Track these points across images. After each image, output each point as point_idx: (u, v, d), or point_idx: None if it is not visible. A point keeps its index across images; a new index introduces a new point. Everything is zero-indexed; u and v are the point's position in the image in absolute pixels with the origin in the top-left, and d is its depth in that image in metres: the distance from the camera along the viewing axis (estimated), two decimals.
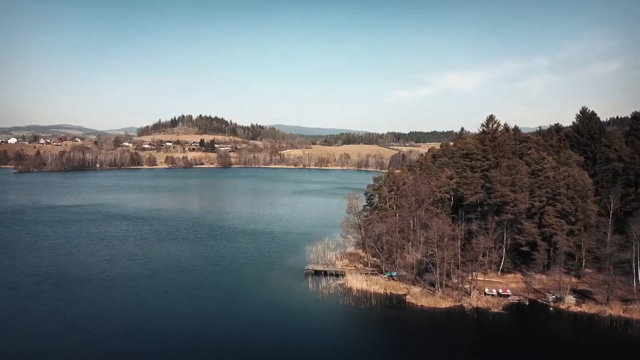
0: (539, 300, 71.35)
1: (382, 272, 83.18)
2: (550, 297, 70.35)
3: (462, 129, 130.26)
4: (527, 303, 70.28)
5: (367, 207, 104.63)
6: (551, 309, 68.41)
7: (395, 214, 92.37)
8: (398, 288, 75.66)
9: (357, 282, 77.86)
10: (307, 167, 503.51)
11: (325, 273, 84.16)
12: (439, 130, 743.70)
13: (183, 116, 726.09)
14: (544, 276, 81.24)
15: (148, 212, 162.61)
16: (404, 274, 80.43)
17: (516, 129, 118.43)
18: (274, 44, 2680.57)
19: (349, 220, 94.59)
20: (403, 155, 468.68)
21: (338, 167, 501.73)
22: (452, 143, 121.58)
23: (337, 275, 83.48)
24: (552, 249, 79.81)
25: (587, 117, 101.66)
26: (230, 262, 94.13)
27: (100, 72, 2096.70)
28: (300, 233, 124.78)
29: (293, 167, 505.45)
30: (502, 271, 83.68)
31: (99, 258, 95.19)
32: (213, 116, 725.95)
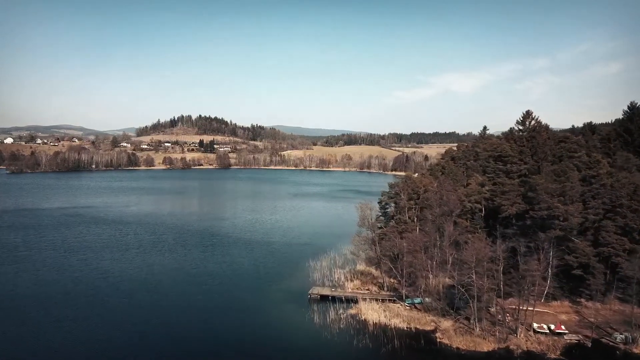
0: (603, 339, 56.90)
1: (401, 299, 68.85)
2: (618, 337, 55.87)
3: (485, 127, 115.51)
4: (590, 344, 55.86)
5: (382, 217, 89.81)
6: (618, 352, 54.09)
7: (417, 227, 77.86)
8: (424, 321, 61.28)
9: (373, 312, 63.56)
10: (308, 168, 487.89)
11: (334, 299, 70.01)
12: (441, 131, 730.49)
13: (182, 116, 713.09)
14: (598, 304, 67.15)
15: (135, 217, 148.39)
16: (429, 300, 66.21)
17: (547, 127, 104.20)
18: (275, 43, 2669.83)
19: (361, 235, 79.76)
20: (407, 156, 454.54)
21: (340, 169, 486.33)
22: (468, 144, 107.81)
23: (348, 301, 69.31)
24: (609, 272, 65.78)
25: (637, 114, 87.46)
26: (220, 282, 79.91)
27: (100, 73, 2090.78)
28: (302, 244, 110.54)
29: (294, 168, 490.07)
30: (547, 297, 69.31)
31: (66, 275, 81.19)
32: (213, 116, 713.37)
